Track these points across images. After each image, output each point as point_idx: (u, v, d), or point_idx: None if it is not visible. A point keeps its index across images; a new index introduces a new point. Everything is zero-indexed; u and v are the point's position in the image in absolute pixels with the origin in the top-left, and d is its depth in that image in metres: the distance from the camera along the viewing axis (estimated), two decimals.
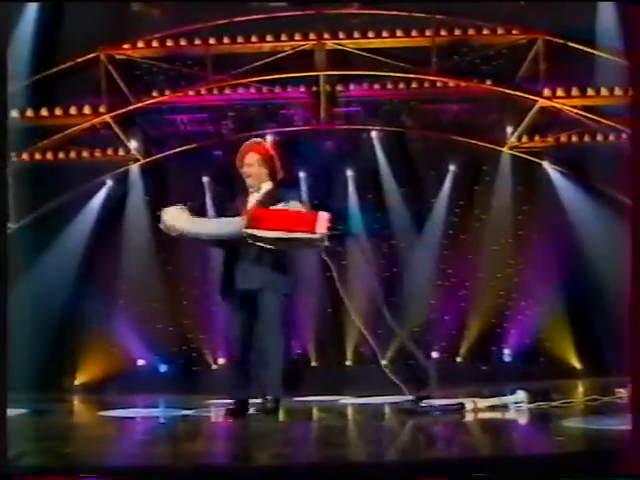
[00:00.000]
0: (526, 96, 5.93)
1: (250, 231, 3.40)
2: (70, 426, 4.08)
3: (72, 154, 6.09)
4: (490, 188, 6.13)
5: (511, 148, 6.07)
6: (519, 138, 6.06)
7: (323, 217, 3.37)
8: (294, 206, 3.53)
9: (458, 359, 6.05)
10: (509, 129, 6.05)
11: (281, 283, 3.60)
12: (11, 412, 4.10)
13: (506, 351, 6.06)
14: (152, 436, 3.46)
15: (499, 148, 6.07)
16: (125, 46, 6.05)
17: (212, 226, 3.66)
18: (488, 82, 5.99)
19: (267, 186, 3.67)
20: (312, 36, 6.01)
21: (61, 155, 6.08)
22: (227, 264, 3.63)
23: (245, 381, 3.66)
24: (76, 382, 5.95)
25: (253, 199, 3.67)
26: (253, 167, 3.67)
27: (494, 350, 6.05)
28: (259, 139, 3.93)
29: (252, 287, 3.55)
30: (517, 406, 3.60)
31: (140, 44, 6.07)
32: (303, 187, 5.88)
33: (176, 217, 3.56)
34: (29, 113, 6.00)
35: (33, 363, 5.41)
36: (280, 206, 3.52)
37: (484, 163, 6.17)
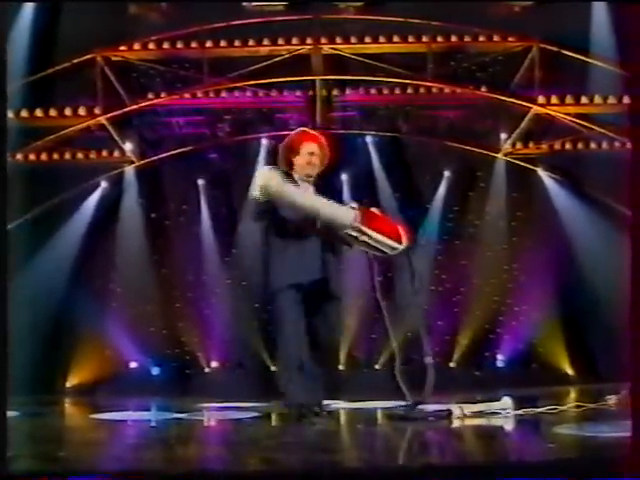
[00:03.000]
0: (521, 103, 5.96)
1: (363, 227, 3.30)
2: (62, 429, 4.05)
3: (67, 155, 6.06)
4: (484, 194, 6.15)
5: (506, 154, 6.10)
6: (513, 144, 6.09)
7: (405, 231, 3.43)
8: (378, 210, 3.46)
9: (451, 364, 6.06)
10: (504, 135, 6.08)
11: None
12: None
13: (499, 357, 6.08)
14: (144, 440, 3.45)
15: (494, 154, 6.09)
16: (121, 48, 6.05)
17: (325, 204, 3.32)
18: (483, 88, 6.02)
19: (314, 182, 3.47)
20: (309, 40, 6.02)
21: (55, 156, 6.05)
22: (290, 254, 3.36)
23: (304, 384, 3.43)
24: (68, 384, 5.92)
25: (309, 190, 3.43)
26: (317, 157, 3.46)
27: (487, 356, 6.07)
28: (308, 129, 3.71)
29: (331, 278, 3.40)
30: (503, 412, 3.61)
31: (136, 46, 6.06)
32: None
33: (281, 182, 3.27)
34: (24, 114, 5.97)
35: (25, 365, 5.38)
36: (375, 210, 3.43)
37: (479, 169, 6.20)
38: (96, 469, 2.58)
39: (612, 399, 3.85)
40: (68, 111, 5.96)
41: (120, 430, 3.82)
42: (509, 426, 3.47)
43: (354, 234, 3.34)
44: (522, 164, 6.11)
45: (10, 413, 4.25)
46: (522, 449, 3.01)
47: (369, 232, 3.34)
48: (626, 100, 5.88)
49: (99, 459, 2.90)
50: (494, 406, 3.67)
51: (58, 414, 4.85)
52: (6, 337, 2.45)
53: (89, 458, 2.89)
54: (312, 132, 3.66)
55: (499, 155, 6.09)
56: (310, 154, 3.48)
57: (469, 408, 3.64)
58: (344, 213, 3.36)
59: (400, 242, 3.42)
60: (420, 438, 3.20)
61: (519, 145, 6.11)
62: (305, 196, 3.36)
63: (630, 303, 2.22)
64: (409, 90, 6.06)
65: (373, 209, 3.47)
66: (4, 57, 2.53)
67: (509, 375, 5.86)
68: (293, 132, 3.65)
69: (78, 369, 5.90)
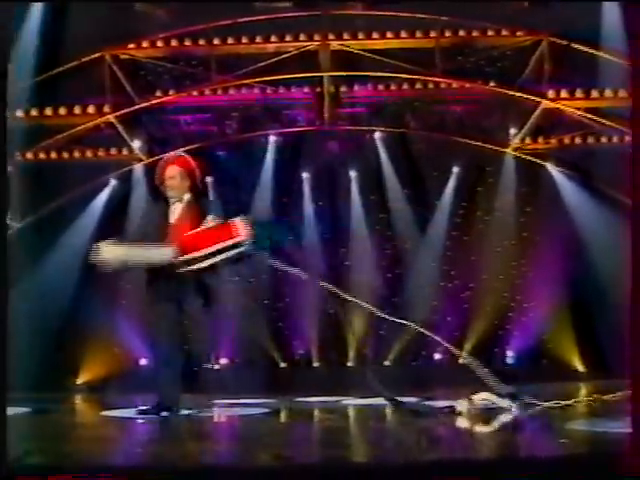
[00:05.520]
0: (530, 97, 5.92)
1: (185, 257, 3.70)
2: (73, 426, 4.09)
3: (76, 154, 6.09)
4: (493, 189, 6.13)
5: (515, 149, 6.07)
6: (522, 139, 6.05)
7: (237, 223, 3.71)
8: (212, 221, 3.79)
9: (461, 360, 6.04)
10: (513, 130, 6.04)
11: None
12: (14, 411, 4.14)
13: (509, 353, 6.05)
14: (153, 435, 3.47)
15: (503, 149, 6.06)
16: (130, 46, 6.06)
17: (144, 253, 3.84)
18: (492, 83, 5.98)
19: (187, 197, 3.93)
20: (317, 37, 6.01)
21: (65, 155, 6.09)
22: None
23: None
24: (79, 381, 5.95)
25: (176, 210, 3.91)
26: (175, 180, 3.91)
27: (497, 352, 6.04)
28: (180, 153, 4.25)
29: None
30: (509, 409, 3.60)
31: (145, 44, 6.07)
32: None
33: (110, 250, 3.81)
34: (34, 112, 6.01)
35: (36, 362, 5.42)
36: (202, 222, 3.77)
37: (487, 164, 6.17)
38: (106, 465, 2.60)
39: (622, 395, 3.83)
40: (77, 109, 5.98)
41: (130, 426, 3.84)
42: (519, 422, 3.45)
43: (185, 265, 3.69)
44: (531, 159, 6.07)
45: (22, 409, 4.31)
46: (532, 445, 3.00)
47: (195, 255, 3.68)
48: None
49: (109, 455, 2.92)
50: (499, 403, 3.66)
51: (69, 411, 4.88)
52: (5, 338, 2.47)
53: (100, 454, 2.91)
54: (176, 157, 4.11)
55: (508, 150, 6.05)
56: (170, 178, 3.92)
57: (473, 403, 3.63)
58: (163, 254, 3.75)
59: (234, 237, 3.68)
60: (429, 434, 3.19)
61: (528, 140, 6.07)
62: (128, 254, 3.80)
63: (630, 301, 2.21)
64: (417, 86, 6.04)
65: (191, 232, 3.75)
66: (7, 60, 2.55)
67: (519, 371, 5.84)
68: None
69: (89, 366, 5.93)
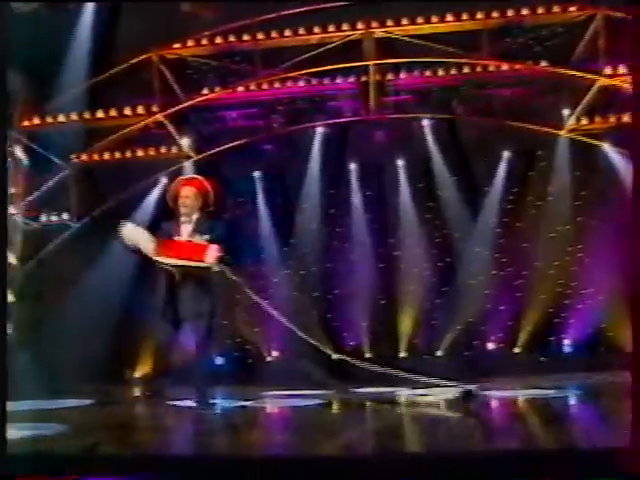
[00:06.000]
0: (586, 75, 5.68)
1: (156, 258, 4.17)
2: (132, 416, 4.23)
3: (128, 153, 6.24)
4: (546, 174, 5.93)
5: (570, 131, 5.85)
6: (578, 120, 5.82)
7: (212, 249, 4.10)
8: (204, 239, 4.14)
9: (516, 350, 5.92)
10: (566, 111, 5.83)
11: None
12: (79, 403, 4.32)
13: (566, 341, 5.88)
14: (209, 426, 3.55)
15: (556, 132, 5.85)
16: (176, 45, 6.16)
17: (144, 243, 4.24)
18: (543, 63, 5.78)
19: (196, 216, 4.19)
20: (360, 25, 5.96)
21: (117, 155, 6.25)
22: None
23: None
24: (137, 374, 6.14)
25: (186, 228, 4.18)
26: (189, 199, 4.17)
27: (553, 340, 5.88)
28: (195, 175, 4.49)
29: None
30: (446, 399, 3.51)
31: (190, 43, 6.16)
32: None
33: (128, 229, 4.32)
34: (87, 115, 6.20)
35: (98, 356, 5.63)
36: (199, 238, 4.15)
37: (539, 148, 5.98)
38: (164, 455, 2.68)
39: None
40: (127, 110, 6.13)
41: (187, 417, 3.94)
42: (579, 411, 3.36)
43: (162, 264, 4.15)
44: (587, 140, 5.84)
45: (85, 401, 4.49)
46: (596, 435, 2.91)
47: (163, 260, 4.15)
48: None
49: (169, 444, 3.01)
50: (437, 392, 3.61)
51: (128, 402, 5.05)
52: (6, 338, 2.57)
53: (160, 443, 3.00)
54: (191, 179, 4.35)
55: (562, 132, 5.84)
56: (184, 197, 4.22)
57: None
58: (148, 247, 4.21)
59: (202, 261, 4.09)
60: (482, 425, 3.14)
61: (584, 120, 5.83)
62: (138, 239, 4.27)
63: (631, 297, 2.09)
64: (465, 70, 5.90)
65: (175, 239, 4.20)
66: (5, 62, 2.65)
67: (576, 360, 5.66)
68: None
69: (145, 360, 6.12)
